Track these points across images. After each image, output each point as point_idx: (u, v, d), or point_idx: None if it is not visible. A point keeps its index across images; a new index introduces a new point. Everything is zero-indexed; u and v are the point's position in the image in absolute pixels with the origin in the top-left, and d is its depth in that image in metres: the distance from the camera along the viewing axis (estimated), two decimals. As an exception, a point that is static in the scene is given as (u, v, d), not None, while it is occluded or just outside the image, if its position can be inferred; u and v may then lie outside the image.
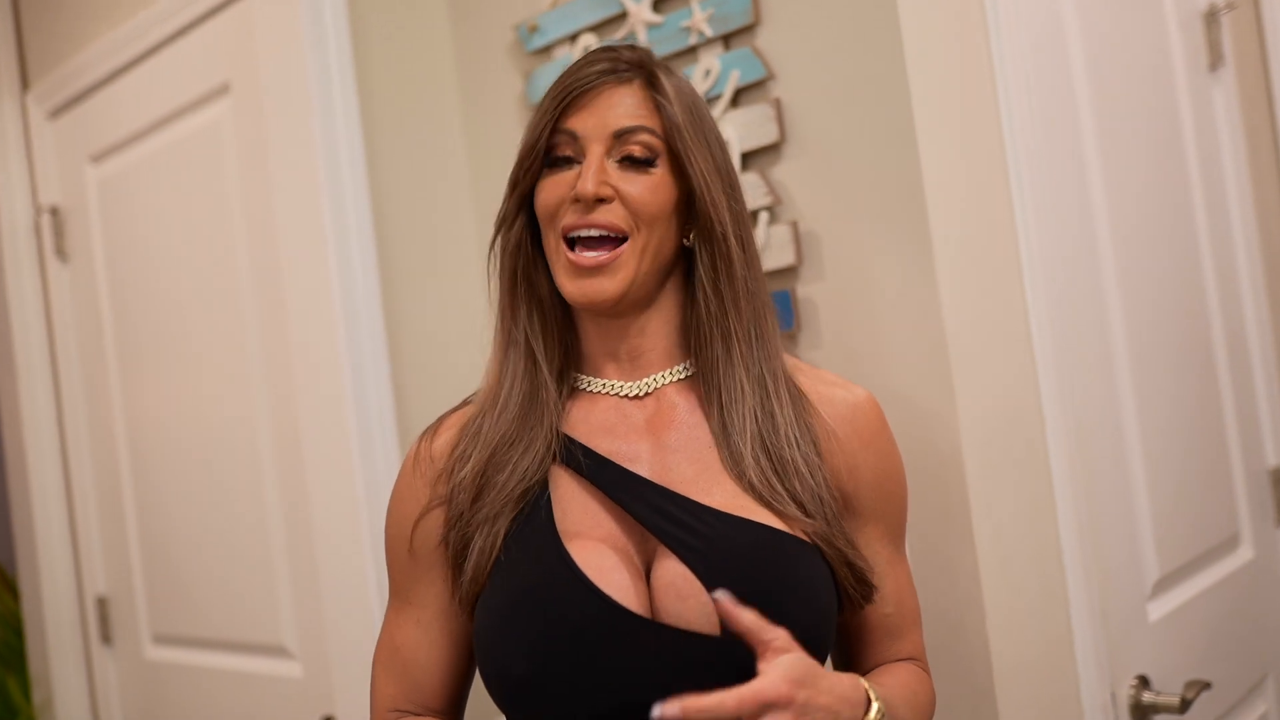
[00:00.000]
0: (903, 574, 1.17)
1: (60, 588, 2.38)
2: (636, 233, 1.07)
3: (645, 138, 1.08)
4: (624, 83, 1.09)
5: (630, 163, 1.08)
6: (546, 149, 1.09)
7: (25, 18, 2.44)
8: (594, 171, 1.05)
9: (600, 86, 1.08)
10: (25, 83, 2.43)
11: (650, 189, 1.07)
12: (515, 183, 1.11)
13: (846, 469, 1.11)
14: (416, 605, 1.13)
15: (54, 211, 2.37)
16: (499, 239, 1.13)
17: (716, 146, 1.11)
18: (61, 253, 2.37)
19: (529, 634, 1.01)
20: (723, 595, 0.93)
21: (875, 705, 0.99)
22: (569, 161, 1.08)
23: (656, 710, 0.87)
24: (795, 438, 1.08)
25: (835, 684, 0.96)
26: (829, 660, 1.11)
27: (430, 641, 1.13)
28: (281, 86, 1.80)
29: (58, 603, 2.38)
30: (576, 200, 1.06)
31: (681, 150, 1.08)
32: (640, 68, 1.10)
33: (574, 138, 1.08)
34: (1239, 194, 1.88)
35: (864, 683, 1.01)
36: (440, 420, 1.17)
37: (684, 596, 1.00)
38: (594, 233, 1.06)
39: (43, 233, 2.39)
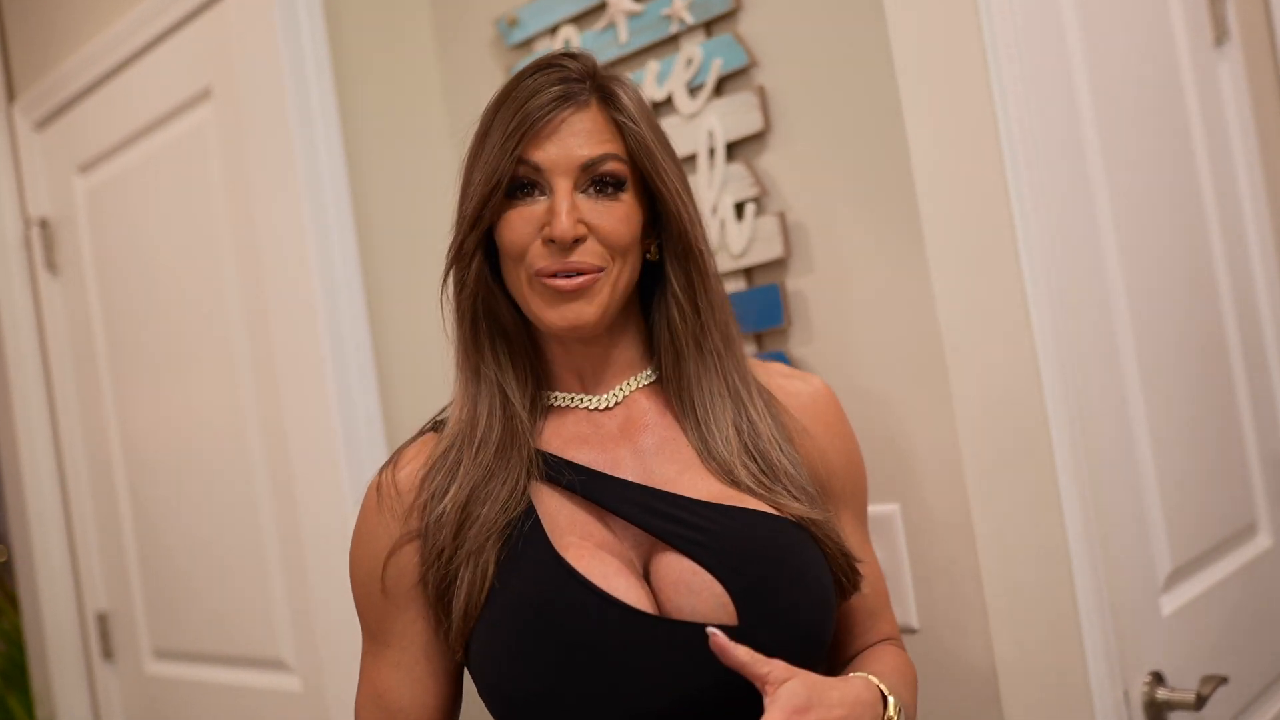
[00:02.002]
0: (873, 554, 1.19)
1: (60, 604, 2.37)
2: (610, 264, 1.04)
3: (613, 166, 1.04)
4: (582, 107, 1.05)
5: (598, 193, 1.04)
6: (509, 181, 1.04)
7: (9, 29, 2.42)
8: (567, 211, 1.02)
9: (561, 112, 1.04)
10: (11, 94, 2.41)
11: (623, 220, 1.05)
12: (476, 219, 1.05)
13: (819, 458, 1.12)
14: (395, 647, 1.09)
15: (43, 224, 2.35)
16: (455, 273, 1.08)
17: (672, 153, 1.09)
18: (52, 265, 2.35)
19: (543, 650, 0.98)
20: (715, 632, 0.92)
21: (891, 700, 1.00)
22: (531, 189, 1.04)
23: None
24: (777, 440, 1.08)
25: (847, 691, 0.96)
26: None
27: (414, 681, 1.09)
28: (259, 89, 1.77)
29: (58, 619, 2.36)
30: (550, 241, 1.02)
31: (652, 172, 1.06)
32: (592, 81, 1.06)
33: (538, 170, 1.03)
34: (1248, 171, 1.82)
35: (874, 680, 1.01)
36: (399, 453, 1.13)
37: (696, 591, 0.99)
38: (571, 274, 1.03)
39: (33, 246, 2.37)
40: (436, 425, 1.14)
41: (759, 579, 0.99)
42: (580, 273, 1.02)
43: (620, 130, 1.05)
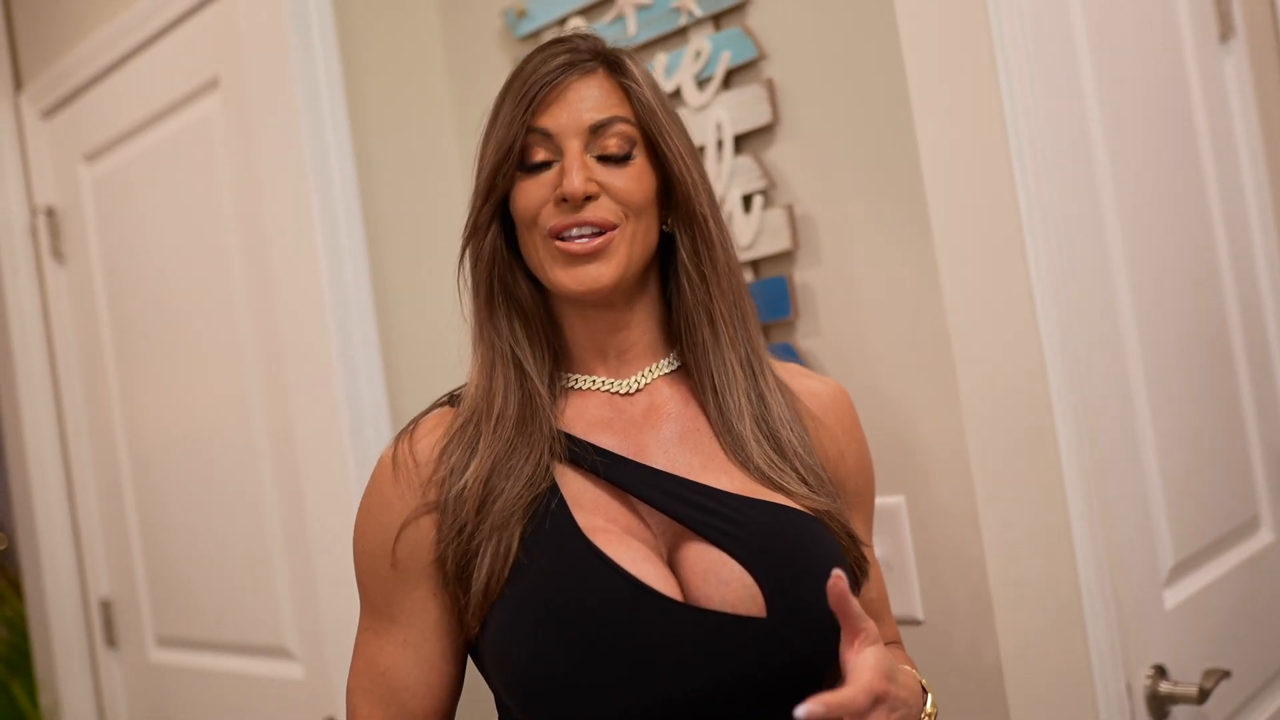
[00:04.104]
0: (876, 559, 1.19)
1: (64, 591, 2.37)
2: (625, 222, 1.05)
3: (622, 128, 1.05)
4: (589, 73, 1.06)
5: (609, 156, 1.05)
6: (521, 150, 1.05)
7: (16, 17, 2.42)
8: (579, 169, 1.02)
9: (566, 80, 1.05)
10: (18, 83, 2.41)
11: (634, 179, 1.05)
12: (490, 189, 1.06)
13: (835, 456, 1.12)
14: (402, 624, 1.07)
15: (50, 212, 2.35)
16: (471, 249, 1.09)
17: (682, 127, 1.10)
18: (58, 254, 2.35)
19: (567, 632, 0.97)
20: (840, 575, 0.89)
21: (930, 696, 1.02)
22: (544, 164, 1.05)
23: (801, 711, 0.84)
24: (787, 418, 1.08)
25: (905, 675, 0.97)
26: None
27: (421, 661, 1.06)
28: (267, 81, 1.77)
29: (62, 606, 2.37)
30: (563, 200, 1.03)
31: (657, 135, 1.06)
32: (600, 55, 1.08)
33: (548, 136, 1.04)
34: (1253, 167, 1.83)
35: (915, 673, 1.03)
36: (415, 423, 1.12)
37: (725, 581, 0.98)
38: (585, 230, 1.03)
39: (39, 234, 2.37)
40: (453, 399, 1.13)
41: (787, 572, 0.99)
42: (595, 228, 1.03)
43: (627, 95, 1.06)
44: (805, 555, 1.01)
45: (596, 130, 1.04)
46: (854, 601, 0.90)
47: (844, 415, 1.15)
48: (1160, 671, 1.40)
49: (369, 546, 1.09)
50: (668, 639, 0.97)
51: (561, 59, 1.05)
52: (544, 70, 1.05)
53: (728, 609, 0.98)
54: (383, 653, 1.08)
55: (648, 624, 0.97)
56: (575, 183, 1.01)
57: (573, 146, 1.03)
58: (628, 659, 0.96)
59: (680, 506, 1.02)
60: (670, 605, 0.98)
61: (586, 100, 1.05)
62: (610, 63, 1.07)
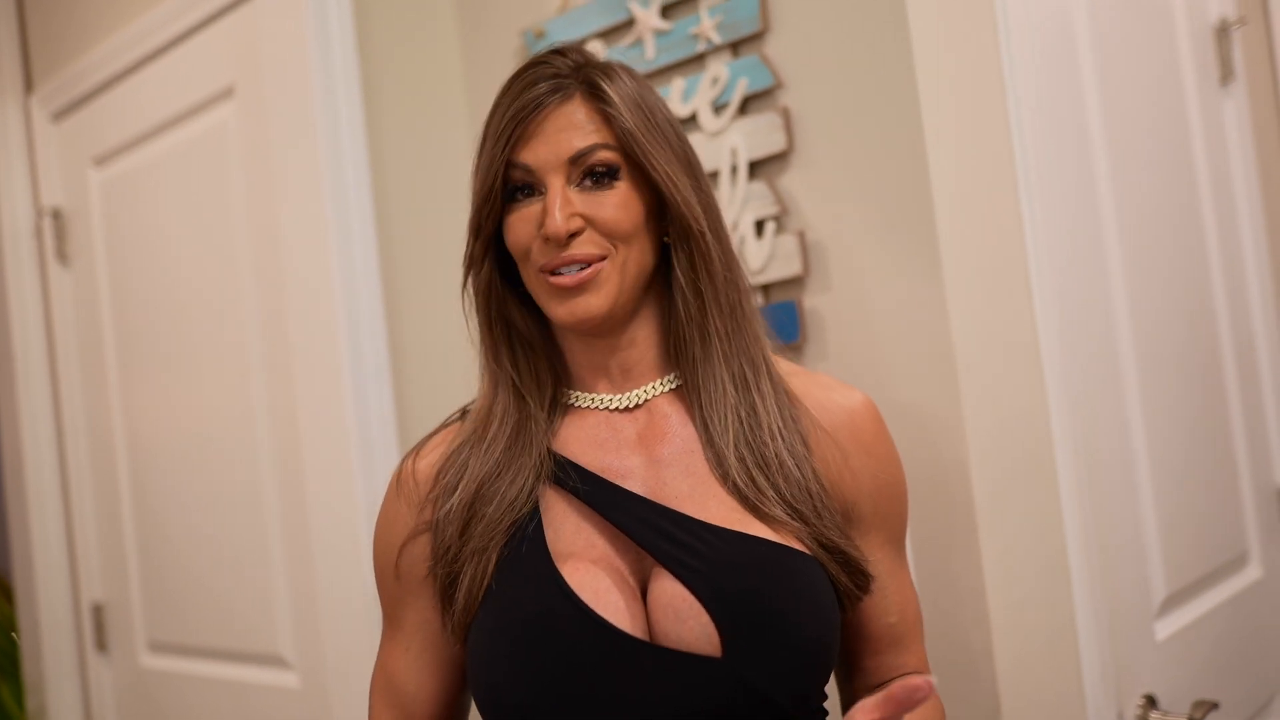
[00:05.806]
0: (905, 582, 1.14)
1: (56, 594, 2.37)
2: (614, 251, 1.03)
3: (602, 155, 1.03)
4: (567, 99, 1.03)
5: (593, 184, 1.03)
6: (503, 184, 1.04)
7: (30, 20, 2.43)
8: (559, 207, 1.01)
9: (544, 110, 1.03)
10: (29, 85, 2.42)
11: (619, 207, 1.03)
12: (478, 227, 1.06)
13: (847, 477, 1.08)
14: (408, 632, 1.12)
15: (56, 214, 2.36)
16: (469, 281, 1.10)
17: (675, 137, 1.07)
18: (63, 256, 2.36)
19: (525, 662, 0.99)
20: (926, 683, 0.83)
21: None
22: (529, 190, 1.04)
23: None
24: (779, 430, 1.05)
25: None
26: (831, 677, 1.09)
27: (420, 668, 1.11)
28: (285, 91, 1.79)
29: (53, 609, 2.36)
30: (547, 239, 1.02)
31: (640, 157, 1.03)
32: (579, 75, 1.05)
33: (529, 170, 1.03)
34: (1250, 209, 1.86)
35: None
36: (424, 441, 1.14)
37: (683, 618, 0.98)
38: (573, 267, 1.03)
39: (44, 235, 2.38)
40: (465, 414, 1.14)
41: (750, 611, 0.98)
42: (583, 264, 1.02)
43: (607, 120, 1.04)
44: (771, 590, 1.00)
45: (576, 160, 1.02)
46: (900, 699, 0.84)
47: (861, 431, 1.10)
48: (1150, 701, 1.42)
49: (379, 559, 1.14)
50: (624, 675, 0.97)
51: (541, 88, 1.03)
52: (521, 103, 1.03)
53: (684, 647, 0.97)
54: (392, 657, 1.13)
55: (604, 660, 0.97)
56: (556, 223, 1.00)
57: (554, 182, 1.02)
58: (585, 694, 0.97)
59: (652, 536, 1.01)
60: (627, 642, 0.98)
61: (565, 130, 1.02)
62: (588, 84, 1.04)
